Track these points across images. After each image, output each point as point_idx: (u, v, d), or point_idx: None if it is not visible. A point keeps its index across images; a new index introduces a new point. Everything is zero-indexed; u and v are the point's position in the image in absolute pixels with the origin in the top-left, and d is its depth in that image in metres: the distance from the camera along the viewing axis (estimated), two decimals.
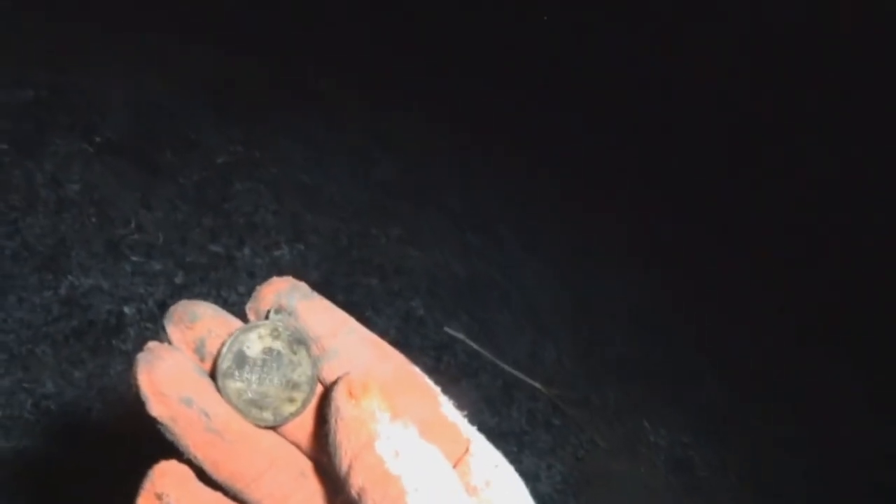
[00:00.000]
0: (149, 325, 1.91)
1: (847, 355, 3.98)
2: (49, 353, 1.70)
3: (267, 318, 0.43)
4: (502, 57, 5.69)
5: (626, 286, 3.60)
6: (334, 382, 0.37)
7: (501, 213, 3.63)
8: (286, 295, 0.44)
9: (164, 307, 1.90)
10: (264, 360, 0.42)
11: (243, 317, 0.45)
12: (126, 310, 1.90)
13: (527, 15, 6.24)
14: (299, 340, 0.42)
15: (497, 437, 2.17)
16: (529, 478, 2.15)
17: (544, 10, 6.24)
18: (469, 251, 3.10)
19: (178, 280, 2.08)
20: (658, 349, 3.21)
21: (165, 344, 0.42)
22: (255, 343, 0.42)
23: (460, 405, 0.44)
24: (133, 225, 2.17)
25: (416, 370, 0.44)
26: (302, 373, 0.42)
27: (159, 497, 0.38)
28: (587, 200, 4.30)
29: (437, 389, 0.43)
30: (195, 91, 3.06)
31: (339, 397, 0.35)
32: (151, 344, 0.41)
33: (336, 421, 0.35)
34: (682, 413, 2.83)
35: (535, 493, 0.43)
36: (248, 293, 0.46)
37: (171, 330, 0.43)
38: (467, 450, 0.42)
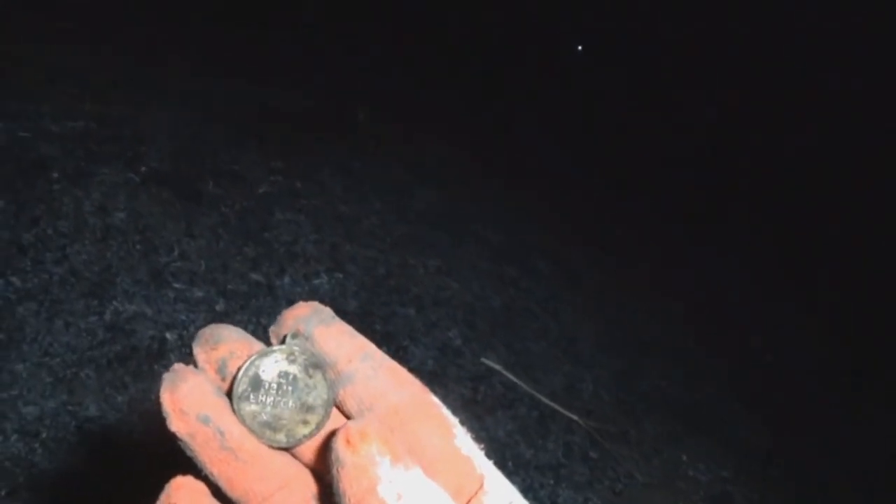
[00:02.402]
0: (190, 351, 1.93)
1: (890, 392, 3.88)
2: (93, 376, 1.74)
3: (283, 342, 0.44)
4: (543, 93, 5.74)
5: (664, 319, 3.56)
6: (333, 433, 0.38)
7: (539, 245, 3.63)
8: (304, 320, 0.45)
9: None
10: (279, 384, 0.43)
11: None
12: (168, 336, 1.94)
13: (565, 53, 6.30)
14: (315, 364, 0.43)
15: (533, 469, 2.15)
16: None
17: (581, 45, 6.29)
18: (506, 283, 3.10)
19: (219, 307, 2.12)
20: (696, 382, 3.16)
21: (190, 366, 0.44)
22: (271, 367, 0.43)
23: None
24: (176, 253, 2.22)
25: (433, 399, 0.43)
26: (317, 396, 0.43)
27: None
28: (625, 234, 4.28)
29: (454, 420, 0.43)
30: (237, 123, 3.15)
31: (339, 447, 0.36)
32: (177, 366, 0.44)
33: (338, 469, 0.36)
34: (721, 447, 2.77)
35: None
36: None
37: (197, 351, 0.46)
38: (481, 486, 0.41)
